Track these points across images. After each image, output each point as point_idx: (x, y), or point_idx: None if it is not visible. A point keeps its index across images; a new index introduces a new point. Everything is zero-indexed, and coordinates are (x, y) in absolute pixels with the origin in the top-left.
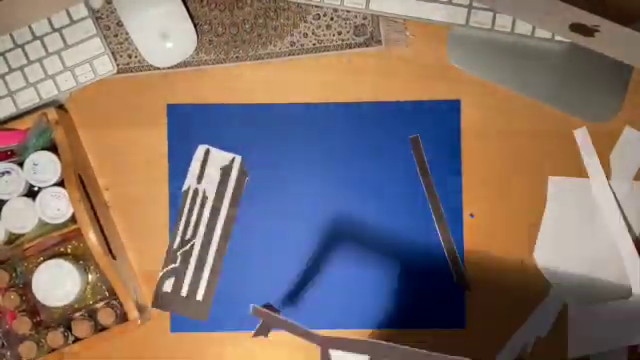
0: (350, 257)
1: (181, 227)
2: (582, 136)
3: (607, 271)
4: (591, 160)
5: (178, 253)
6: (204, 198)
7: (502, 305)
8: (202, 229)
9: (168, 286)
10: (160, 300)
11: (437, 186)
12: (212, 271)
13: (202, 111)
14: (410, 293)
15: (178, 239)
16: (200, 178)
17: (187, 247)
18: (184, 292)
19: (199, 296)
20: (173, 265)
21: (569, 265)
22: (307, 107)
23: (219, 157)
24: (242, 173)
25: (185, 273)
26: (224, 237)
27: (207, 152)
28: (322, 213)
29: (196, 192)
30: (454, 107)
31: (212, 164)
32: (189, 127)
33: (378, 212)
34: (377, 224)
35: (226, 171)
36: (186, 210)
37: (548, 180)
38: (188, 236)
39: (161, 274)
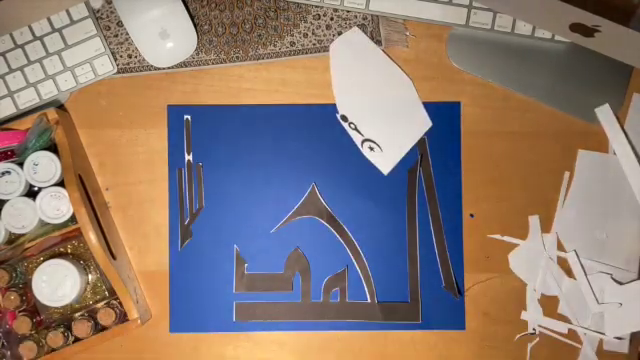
0: (345, 255)
1: (186, 201)
2: (605, 113)
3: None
4: (616, 135)
5: (192, 227)
6: (198, 167)
7: (502, 305)
8: (206, 198)
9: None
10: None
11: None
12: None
13: (202, 112)
14: (408, 294)
15: (187, 213)
16: (189, 149)
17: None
18: None
19: None
20: (190, 240)
21: (590, 236)
22: (306, 108)
23: None
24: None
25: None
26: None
27: (188, 122)
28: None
29: (190, 163)
30: (454, 109)
31: None
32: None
33: (379, 212)
34: (377, 224)
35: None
36: (185, 184)
37: (577, 153)
38: (195, 208)
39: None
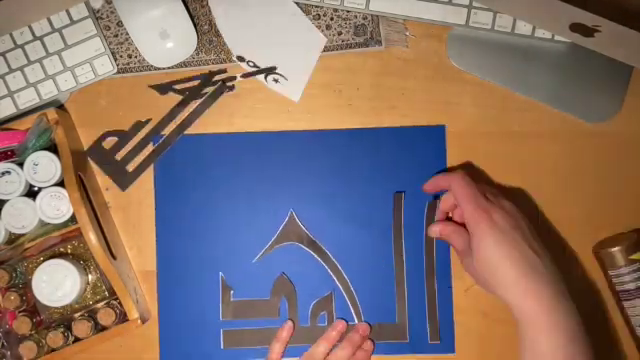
0: (329, 279)
1: None
2: None
3: None
4: None
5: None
6: None
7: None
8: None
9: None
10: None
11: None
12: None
13: (185, 141)
14: (395, 314)
15: None
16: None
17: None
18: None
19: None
20: None
21: None
22: (285, 135)
23: None
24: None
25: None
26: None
27: None
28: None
29: None
30: (439, 132)
31: None
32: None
33: (362, 234)
34: (361, 246)
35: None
36: None
37: None
38: None
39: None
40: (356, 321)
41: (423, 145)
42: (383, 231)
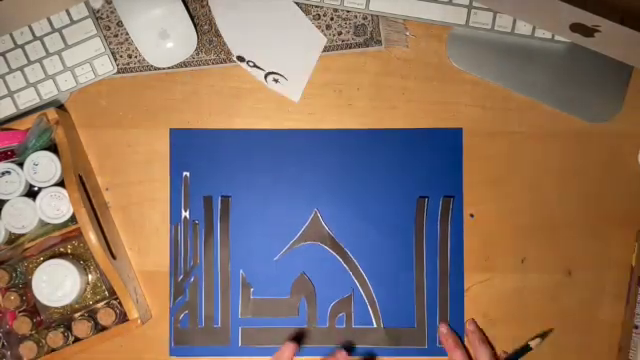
0: (350, 281)
1: (181, 258)
2: None
3: None
4: None
5: (185, 285)
6: (194, 225)
7: (502, 305)
8: (201, 256)
9: (184, 322)
10: (180, 337)
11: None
12: (223, 297)
13: (202, 136)
14: (414, 319)
15: (181, 270)
16: (186, 206)
17: (192, 278)
18: (202, 324)
19: (217, 323)
20: (184, 299)
21: None
22: (307, 132)
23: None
24: (224, 198)
25: (197, 305)
26: (224, 261)
27: (187, 179)
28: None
29: (186, 220)
30: (457, 135)
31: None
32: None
33: (384, 237)
34: (383, 249)
35: (207, 199)
36: (181, 240)
37: None
38: (189, 265)
39: (175, 312)
40: (374, 324)
41: (439, 148)
42: (405, 235)
